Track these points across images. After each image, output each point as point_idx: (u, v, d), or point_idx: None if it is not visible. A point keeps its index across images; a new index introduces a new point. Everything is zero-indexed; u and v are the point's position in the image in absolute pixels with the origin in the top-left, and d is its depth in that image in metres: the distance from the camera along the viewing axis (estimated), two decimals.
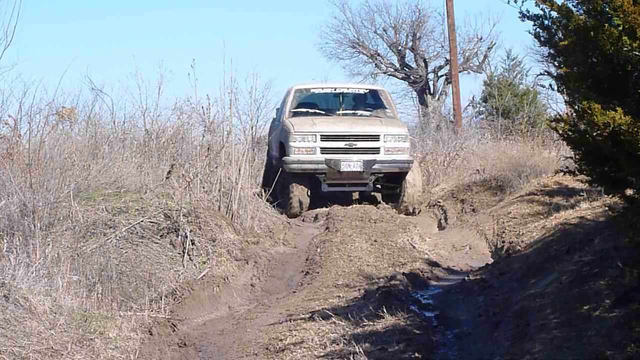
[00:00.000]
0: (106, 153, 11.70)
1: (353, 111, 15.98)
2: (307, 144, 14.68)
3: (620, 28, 4.85)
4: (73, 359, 6.03)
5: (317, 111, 15.74)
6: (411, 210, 15.07)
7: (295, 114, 15.56)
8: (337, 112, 15.83)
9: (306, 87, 16.48)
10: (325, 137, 14.71)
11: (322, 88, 16.60)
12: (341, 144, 14.70)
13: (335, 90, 16.50)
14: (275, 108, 17.23)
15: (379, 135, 14.82)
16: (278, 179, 14.12)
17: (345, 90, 16.55)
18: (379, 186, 15.46)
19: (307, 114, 15.57)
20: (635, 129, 4.77)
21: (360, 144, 14.73)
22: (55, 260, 7.59)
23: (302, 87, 16.38)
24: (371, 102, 16.44)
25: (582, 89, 5.27)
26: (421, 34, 35.28)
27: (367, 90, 16.93)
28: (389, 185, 15.39)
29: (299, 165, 14.60)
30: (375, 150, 14.74)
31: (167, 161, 12.32)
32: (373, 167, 14.66)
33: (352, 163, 14.59)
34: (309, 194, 14.68)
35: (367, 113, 15.91)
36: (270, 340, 6.89)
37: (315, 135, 14.72)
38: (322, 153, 14.62)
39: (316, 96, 16.32)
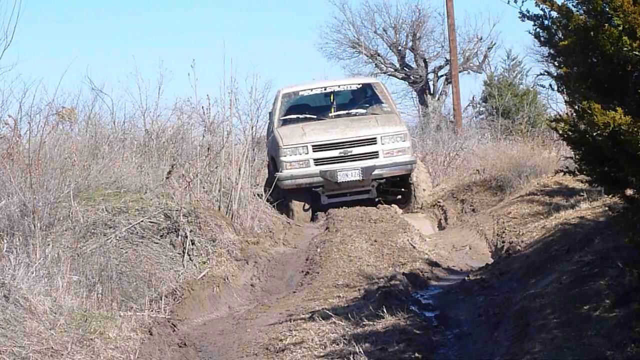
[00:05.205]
0: (106, 153, 11.70)
1: (347, 111, 14.92)
2: (299, 156, 13.81)
3: (620, 28, 4.85)
4: (73, 359, 6.03)
5: (308, 116, 14.73)
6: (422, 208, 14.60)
7: (284, 122, 14.61)
8: (329, 115, 14.85)
9: (294, 90, 15.31)
10: (318, 147, 13.83)
11: (311, 89, 15.31)
12: (335, 153, 13.80)
13: (325, 89, 15.30)
14: (268, 112, 16.27)
15: (375, 138, 13.92)
16: (277, 188, 13.74)
17: (336, 89, 15.33)
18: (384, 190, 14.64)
19: (297, 120, 14.59)
20: (635, 129, 4.77)
21: (356, 150, 13.82)
22: (55, 260, 7.59)
23: (289, 90, 15.28)
24: (366, 97, 15.43)
25: (582, 89, 5.27)
26: (421, 34, 35.36)
27: (360, 85, 15.75)
28: (394, 189, 14.73)
29: (292, 180, 13.74)
30: (374, 155, 13.89)
31: (167, 161, 12.31)
32: (373, 173, 13.84)
33: (349, 172, 13.72)
34: (305, 208, 13.95)
35: (363, 110, 14.93)
36: (270, 340, 6.89)
37: (307, 146, 13.83)
38: (316, 165, 13.76)
39: (306, 98, 15.28)
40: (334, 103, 15.20)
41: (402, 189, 14.78)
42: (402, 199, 14.85)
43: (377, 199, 14.54)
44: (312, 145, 13.88)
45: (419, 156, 17.31)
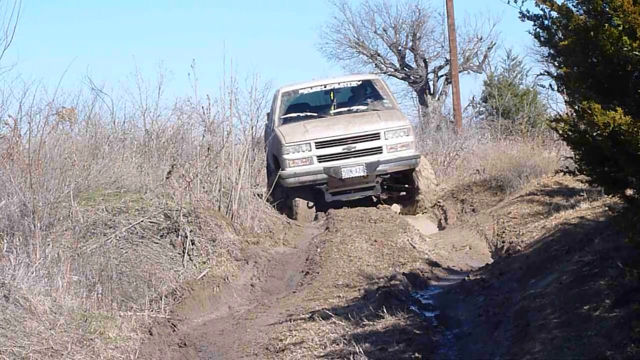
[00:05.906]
0: (106, 153, 11.72)
1: (348, 108, 14.81)
2: (302, 154, 13.73)
3: (620, 28, 4.84)
4: (73, 359, 6.03)
5: (309, 114, 14.66)
6: (429, 206, 14.52)
7: (285, 121, 14.55)
8: (330, 112, 14.72)
9: (293, 88, 15.23)
10: (321, 144, 13.75)
11: (311, 87, 15.25)
12: (339, 149, 13.73)
13: (325, 87, 15.20)
14: (266, 113, 16.24)
15: (378, 133, 13.84)
16: (278, 188, 13.71)
17: (336, 86, 15.20)
18: (389, 187, 14.55)
19: (297, 118, 14.47)
20: (635, 129, 4.77)
21: (359, 146, 13.75)
22: (55, 260, 7.59)
23: (289, 89, 15.20)
24: (366, 94, 15.33)
25: (582, 89, 5.26)
26: (421, 34, 35.36)
27: (360, 82, 15.60)
28: (398, 186, 14.62)
29: (296, 178, 13.66)
30: (377, 150, 13.80)
31: (167, 161, 12.32)
32: (377, 168, 13.75)
33: (353, 168, 13.65)
34: (309, 205, 13.92)
35: (364, 107, 14.81)
36: (270, 340, 6.89)
37: (309, 143, 13.75)
38: (319, 161, 13.70)
39: (306, 97, 15.21)
40: (334, 101, 15.08)
41: (405, 186, 14.69)
42: (406, 195, 14.73)
43: (380, 196, 14.43)
44: (315, 142, 13.79)
45: None
